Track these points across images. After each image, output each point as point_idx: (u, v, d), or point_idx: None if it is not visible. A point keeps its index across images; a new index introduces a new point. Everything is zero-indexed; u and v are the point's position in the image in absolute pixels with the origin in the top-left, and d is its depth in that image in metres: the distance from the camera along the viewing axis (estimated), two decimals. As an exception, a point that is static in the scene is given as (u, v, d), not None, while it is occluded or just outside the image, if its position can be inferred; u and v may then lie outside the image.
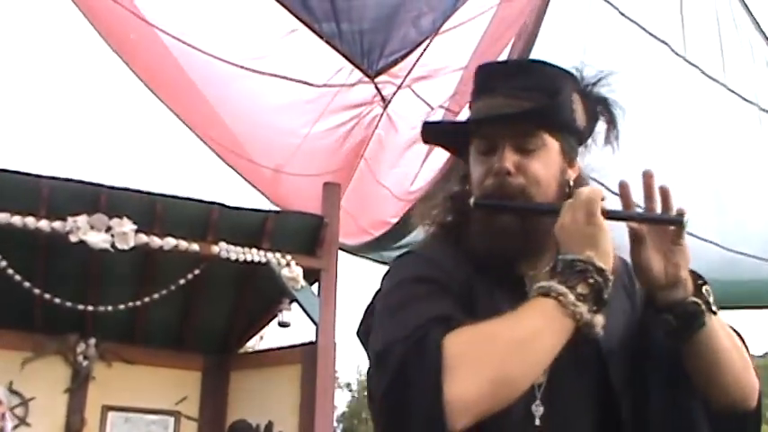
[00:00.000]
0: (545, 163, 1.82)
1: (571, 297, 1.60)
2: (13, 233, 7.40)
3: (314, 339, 8.35)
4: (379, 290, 1.86)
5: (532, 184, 1.80)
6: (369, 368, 1.73)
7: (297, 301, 8.30)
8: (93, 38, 6.92)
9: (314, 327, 8.28)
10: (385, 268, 1.89)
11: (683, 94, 6.12)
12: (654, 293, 1.74)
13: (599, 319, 1.62)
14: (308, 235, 8.32)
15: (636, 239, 1.73)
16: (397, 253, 2.13)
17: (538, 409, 1.70)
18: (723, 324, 1.79)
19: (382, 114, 7.50)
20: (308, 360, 8.38)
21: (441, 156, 6.67)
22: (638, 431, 1.75)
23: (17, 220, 7.31)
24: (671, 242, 1.72)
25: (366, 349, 1.82)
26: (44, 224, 7.39)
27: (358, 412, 38.77)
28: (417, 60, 6.83)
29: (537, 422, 1.70)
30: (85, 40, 6.82)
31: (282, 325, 8.77)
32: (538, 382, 1.71)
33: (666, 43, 5.95)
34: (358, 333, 1.92)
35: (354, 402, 39.57)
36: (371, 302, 1.89)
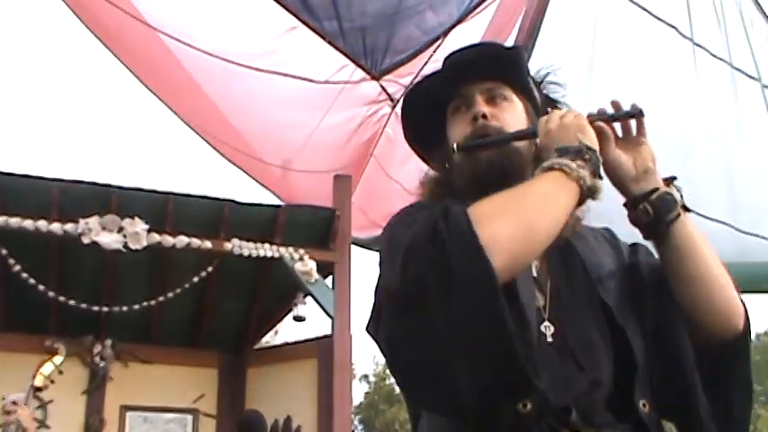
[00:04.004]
0: (513, 115, 2.03)
1: (574, 165, 1.77)
2: (26, 237, 7.42)
3: (329, 332, 8.35)
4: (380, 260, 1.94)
5: (506, 127, 1.99)
6: (386, 277, 1.86)
7: (311, 294, 8.29)
8: (97, 42, 6.91)
9: (329, 320, 8.27)
10: None
11: (691, 77, 6.09)
12: (629, 188, 1.94)
13: (599, 184, 1.80)
14: (321, 228, 8.30)
15: (604, 138, 1.91)
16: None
17: (548, 329, 1.81)
18: (697, 228, 1.92)
19: (391, 113, 7.45)
20: (325, 353, 8.38)
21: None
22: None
23: (29, 223, 7.34)
24: (635, 142, 1.96)
25: (378, 342, 1.90)
26: (56, 227, 7.41)
27: (375, 404, 38.88)
28: (425, 65, 6.75)
29: (549, 339, 1.80)
30: (91, 44, 6.82)
31: (297, 319, 8.77)
32: (542, 305, 1.84)
33: (675, 27, 5.92)
34: (368, 329, 1.96)
35: (371, 393, 39.69)
36: (376, 297, 1.94)
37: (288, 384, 9.05)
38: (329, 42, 6.69)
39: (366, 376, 40.16)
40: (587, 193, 1.78)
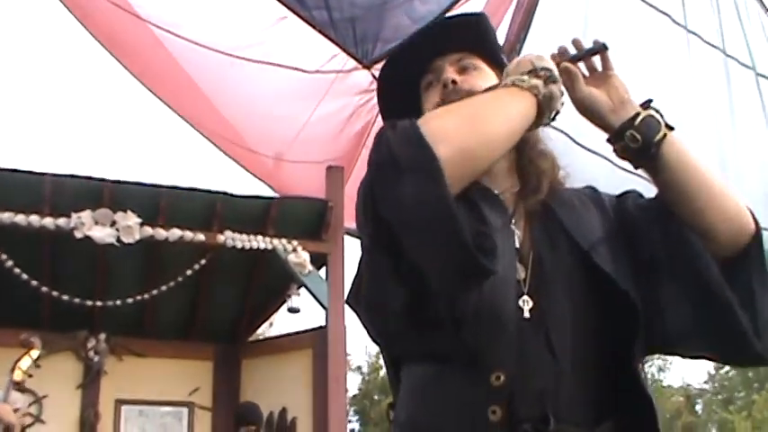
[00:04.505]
0: (485, 81, 1.99)
1: (526, 77, 1.78)
2: (18, 232, 7.40)
3: (324, 324, 8.34)
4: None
5: (478, 90, 1.94)
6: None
7: (305, 286, 8.28)
8: (90, 36, 6.89)
9: (323, 311, 8.26)
10: None
11: (684, 64, 6.09)
12: (608, 121, 1.90)
13: (555, 89, 1.81)
14: (314, 219, 8.30)
15: (571, 78, 1.89)
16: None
17: (527, 303, 1.76)
18: (687, 142, 1.89)
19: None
20: (319, 345, 8.38)
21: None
22: (647, 301, 1.82)
23: (21, 218, 7.31)
24: (604, 75, 1.93)
25: (358, 314, 1.90)
26: (48, 221, 7.38)
27: (369, 394, 38.96)
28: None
29: (526, 314, 1.75)
30: (83, 37, 6.80)
31: (292, 311, 8.76)
32: (521, 277, 1.79)
33: (668, 14, 5.92)
34: (348, 300, 1.96)
35: (366, 384, 39.78)
36: (358, 268, 1.93)
37: (283, 376, 9.04)
38: (320, 32, 6.67)
39: (360, 368, 40.27)
40: (544, 101, 1.78)
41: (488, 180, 1.88)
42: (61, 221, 7.41)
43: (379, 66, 6.97)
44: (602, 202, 2.01)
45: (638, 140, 1.83)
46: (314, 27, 6.62)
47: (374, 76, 7.15)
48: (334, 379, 8.16)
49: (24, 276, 7.56)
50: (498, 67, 2.07)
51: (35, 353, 6.78)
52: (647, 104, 1.90)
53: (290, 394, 8.87)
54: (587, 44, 1.95)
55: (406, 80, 2.08)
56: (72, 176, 7.62)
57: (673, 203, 1.87)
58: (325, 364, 8.18)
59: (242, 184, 8.61)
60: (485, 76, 2.03)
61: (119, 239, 7.50)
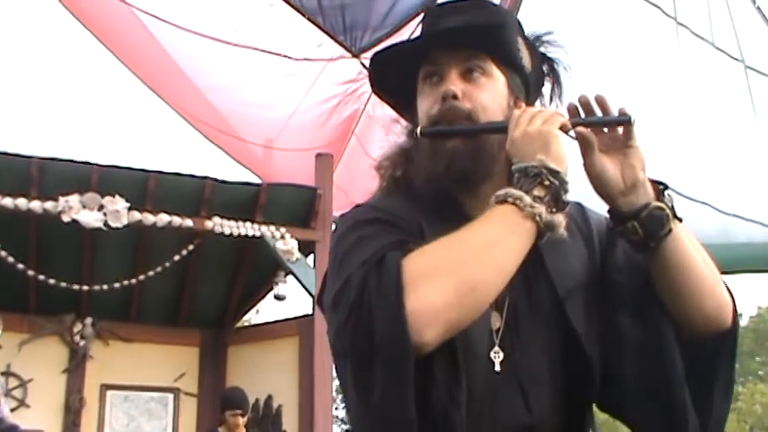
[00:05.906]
0: (492, 93, 1.81)
1: (528, 199, 1.59)
2: (5, 215, 7.37)
3: (311, 311, 8.34)
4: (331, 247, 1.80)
5: (479, 110, 1.78)
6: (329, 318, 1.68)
7: (292, 273, 8.27)
8: (75, 20, 6.86)
9: (310, 299, 8.25)
10: None
11: (673, 56, 6.10)
12: (615, 203, 1.73)
13: (560, 219, 1.62)
14: (302, 207, 8.28)
15: (586, 146, 1.71)
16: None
17: (497, 355, 1.69)
18: (689, 233, 1.76)
19: (371, 93, 7.38)
20: (306, 332, 8.39)
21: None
22: (607, 367, 1.75)
23: (8, 201, 7.28)
24: (623, 145, 1.72)
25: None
26: (36, 205, 7.35)
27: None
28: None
29: (497, 368, 1.68)
30: (71, 23, 6.76)
31: (278, 298, 8.77)
32: (495, 327, 1.70)
33: (658, 6, 5.91)
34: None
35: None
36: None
37: (269, 363, 9.05)
38: (309, 19, 6.64)
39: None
40: (544, 229, 1.61)
41: (472, 203, 1.79)
42: (48, 205, 7.38)
43: (368, 54, 6.98)
44: (589, 233, 1.90)
45: (639, 234, 1.70)
46: (303, 14, 6.59)
47: (363, 65, 7.13)
48: (320, 366, 8.16)
49: (11, 259, 7.53)
50: (515, 68, 1.88)
51: None
52: (660, 189, 1.75)
53: (276, 381, 8.89)
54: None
55: (404, 63, 1.89)
56: (60, 160, 7.60)
57: (659, 289, 1.75)
58: (312, 351, 8.19)
59: (231, 169, 8.58)
60: (492, 86, 1.82)
61: (106, 224, 7.48)
